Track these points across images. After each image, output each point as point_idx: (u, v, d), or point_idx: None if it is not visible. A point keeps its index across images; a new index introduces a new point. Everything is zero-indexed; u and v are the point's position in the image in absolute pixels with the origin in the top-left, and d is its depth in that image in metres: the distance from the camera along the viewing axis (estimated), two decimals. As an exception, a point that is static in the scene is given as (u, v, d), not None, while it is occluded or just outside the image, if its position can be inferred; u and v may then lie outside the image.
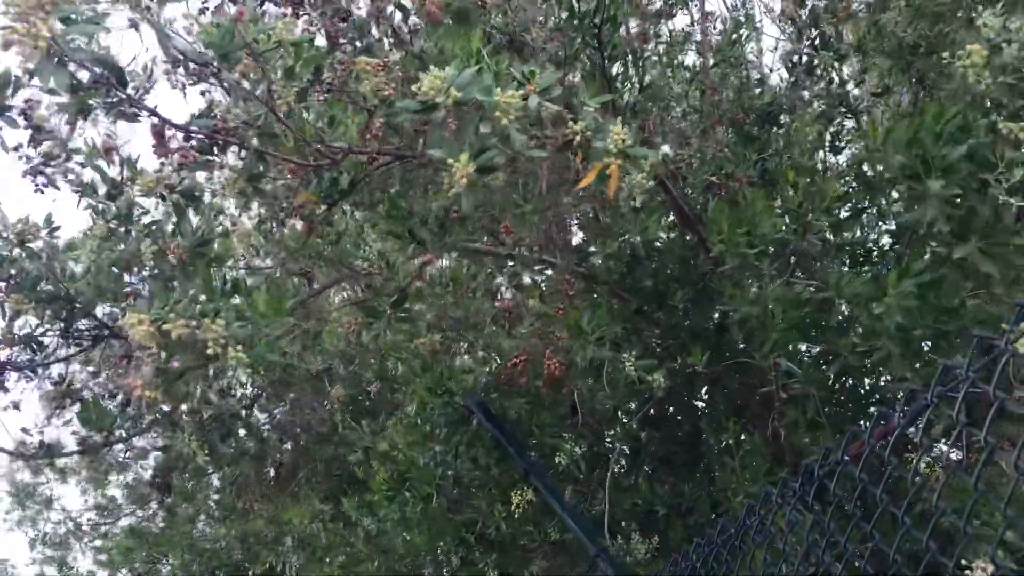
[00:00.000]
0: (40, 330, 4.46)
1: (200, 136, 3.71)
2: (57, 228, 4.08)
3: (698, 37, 7.76)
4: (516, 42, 4.69)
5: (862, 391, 6.15)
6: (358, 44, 3.92)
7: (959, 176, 3.75)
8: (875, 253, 6.62)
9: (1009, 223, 3.57)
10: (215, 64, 3.24)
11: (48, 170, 3.61)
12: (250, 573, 8.03)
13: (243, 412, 5.26)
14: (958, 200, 3.82)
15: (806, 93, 7.27)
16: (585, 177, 3.86)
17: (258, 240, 4.33)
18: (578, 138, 3.86)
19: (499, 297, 5.38)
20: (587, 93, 4.16)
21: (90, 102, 3.37)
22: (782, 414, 5.73)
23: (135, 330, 3.25)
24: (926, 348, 4.70)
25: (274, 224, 4.25)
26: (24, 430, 5.14)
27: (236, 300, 3.62)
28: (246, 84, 3.44)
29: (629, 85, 6.80)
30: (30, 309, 4.01)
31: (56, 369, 4.80)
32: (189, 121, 3.63)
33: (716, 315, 6.54)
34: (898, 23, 6.32)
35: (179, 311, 3.33)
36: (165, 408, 4.45)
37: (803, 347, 6.09)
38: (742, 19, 7.60)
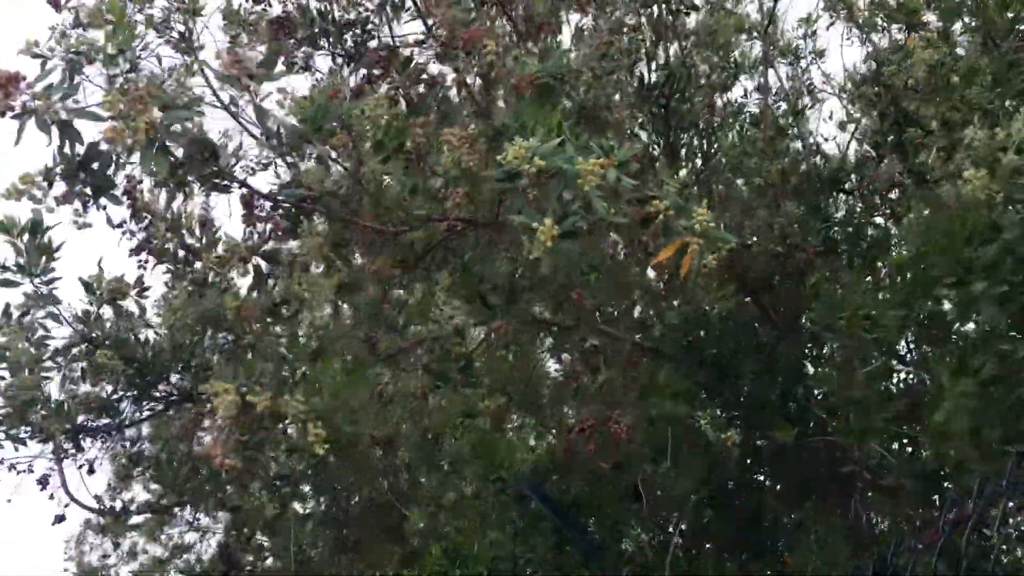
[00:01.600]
0: (116, 395, 4.56)
1: (287, 205, 3.80)
2: (147, 288, 4.20)
3: (757, 108, 7.77)
4: (593, 117, 4.75)
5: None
6: (438, 110, 4.02)
7: (1002, 273, 3.80)
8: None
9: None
10: (309, 137, 3.34)
11: (149, 247, 3.74)
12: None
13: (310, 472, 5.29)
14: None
15: (884, 168, 7.22)
16: (662, 252, 3.86)
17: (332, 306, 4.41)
18: (661, 216, 3.86)
19: (563, 365, 5.34)
20: (666, 172, 4.17)
21: (186, 178, 3.50)
22: (863, 496, 5.54)
23: (219, 399, 3.30)
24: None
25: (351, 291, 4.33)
26: (97, 498, 5.20)
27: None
28: (334, 155, 3.54)
29: (696, 155, 6.84)
30: (114, 367, 4.10)
31: (129, 432, 4.89)
32: (277, 191, 3.73)
33: (783, 389, 6.40)
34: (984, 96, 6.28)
35: (262, 382, 3.39)
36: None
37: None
38: (804, 91, 7.63)
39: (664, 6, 6.03)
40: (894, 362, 5.26)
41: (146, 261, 3.79)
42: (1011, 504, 4.34)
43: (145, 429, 5.03)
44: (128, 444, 4.96)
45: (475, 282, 4.34)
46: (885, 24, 7.53)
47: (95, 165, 2.95)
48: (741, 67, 7.57)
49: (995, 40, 6.11)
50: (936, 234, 4.37)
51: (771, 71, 7.75)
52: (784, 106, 7.62)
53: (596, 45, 4.74)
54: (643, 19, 6.04)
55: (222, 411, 3.31)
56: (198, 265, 4.32)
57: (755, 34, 7.77)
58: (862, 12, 7.64)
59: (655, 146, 6.52)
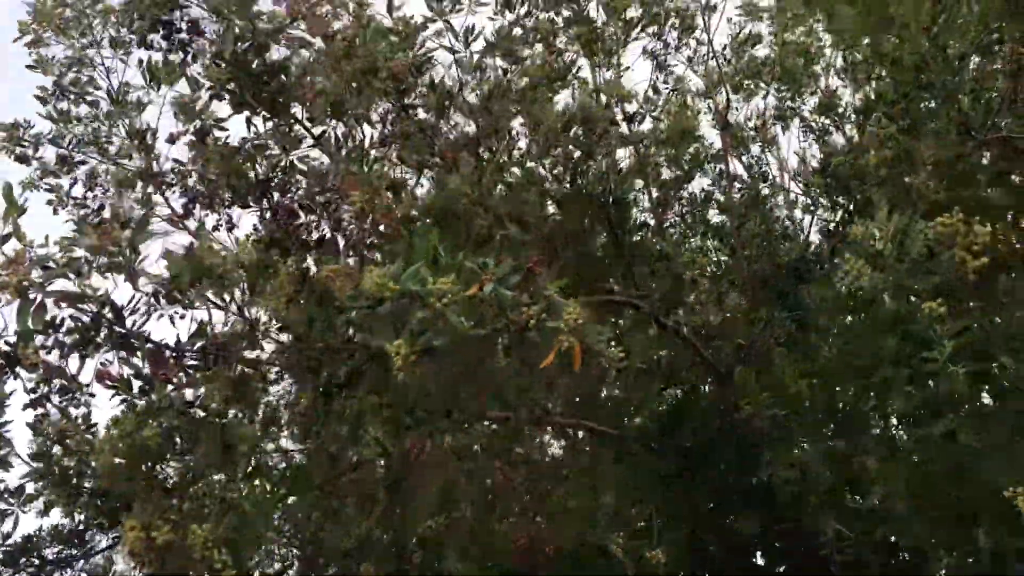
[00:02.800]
0: (82, 527, 4.82)
1: (193, 354, 4.12)
2: (94, 426, 4.50)
3: (720, 197, 7.94)
4: (496, 236, 5.02)
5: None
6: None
7: (906, 361, 3.89)
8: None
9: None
10: (183, 293, 3.69)
11: (56, 399, 4.07)
12: None
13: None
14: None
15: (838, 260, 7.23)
16: (545, 359, 4.02)
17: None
18: (532, 321, 4.03)
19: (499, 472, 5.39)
20: (547, 279, 4.38)
21: (94, 339, 3.86)
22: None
23: (127, 536, 3.54)
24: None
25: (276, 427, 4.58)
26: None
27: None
28: (219, 302, 3.87)
29: (650, 254, 7.00)
30: (62, 502, 4.39)
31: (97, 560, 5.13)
32: (181, 343, 4.06)
33: (760, 475, 6.27)
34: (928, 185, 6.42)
35: (169, 515, 3.62)
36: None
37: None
38: (762, 178, 7.78)
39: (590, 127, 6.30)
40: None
41: (45, 415, 4.10)
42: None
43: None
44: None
45: (398, 402, 4.53)
46: (836, 126, 7.82)
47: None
48: (697, 162, 7.81)
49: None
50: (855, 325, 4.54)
51: (730, 161, 7.98)
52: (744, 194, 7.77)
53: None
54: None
55: (128, 546, 3.54)
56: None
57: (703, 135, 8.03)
58: (813, 118, 7.95)
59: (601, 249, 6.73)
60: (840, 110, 7.74)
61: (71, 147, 6.11)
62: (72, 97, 6.00)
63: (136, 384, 4.47)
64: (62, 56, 5.98)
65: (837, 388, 5.00)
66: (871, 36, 6.93)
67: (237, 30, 4.77)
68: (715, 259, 7.45)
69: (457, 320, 3.69)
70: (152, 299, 3.74)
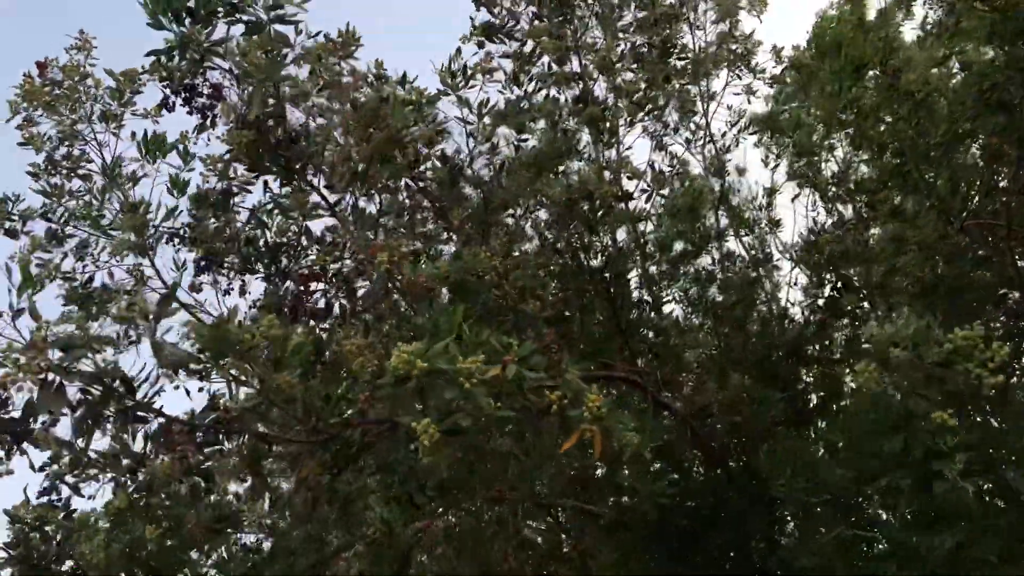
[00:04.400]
0: None
1: (205, 428, 4.02)
2: (73, 511, 4.35)
3: (719, 275, 8.03)
4: (509, 311, 5.01)
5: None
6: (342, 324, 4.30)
7: (913, 467, 3.90)
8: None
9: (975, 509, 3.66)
10: (208, 365, 3.61)
11: (69, 479, 3.93)
12: None
13: None
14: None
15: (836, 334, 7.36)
16: (565, 443, 3.99)
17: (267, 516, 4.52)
18: (555, 407, 4.00)
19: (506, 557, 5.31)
20: (569, 362, 4.37)
21: (101, 414, 3.74)
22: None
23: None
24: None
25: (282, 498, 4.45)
26: None
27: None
28: (242, 377, 3.79)
29: (646, 331, 7.05)
30: None
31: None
32: (193, 416, 3.96)
33: (757, 560, 6.23)
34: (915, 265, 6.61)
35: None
36: None
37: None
38: (760, 257, 7.91)
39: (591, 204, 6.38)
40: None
41: (60, 496, 3.95)
42: None
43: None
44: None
45: (401, 481, 4.44)
46: (848, 198, 8.00)
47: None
48: (700, 240, 7.91)
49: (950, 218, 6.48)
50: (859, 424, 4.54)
51: (731, 241, 8.12)
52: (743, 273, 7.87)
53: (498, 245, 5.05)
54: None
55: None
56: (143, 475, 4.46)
57: (710, 208, 8.18)
58: (828, 186, 8.14)
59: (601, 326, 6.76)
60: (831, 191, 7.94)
61: (62, 221, 6.07)
62: (64, 172, 5.99)
63: (125, 462, 4.38)
64: (53, 132, 6.03)
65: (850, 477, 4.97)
66: (856, 124, 7.15)
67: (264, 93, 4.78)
68: (713, 339, 7.48)
69: (485, 402, 3.64)
70: (171, 372, 3.65)
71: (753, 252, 8.32)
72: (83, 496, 3.99)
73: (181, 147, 5.78)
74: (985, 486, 3.90)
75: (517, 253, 5.40)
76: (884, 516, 5.08)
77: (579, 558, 5.29)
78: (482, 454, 4.61)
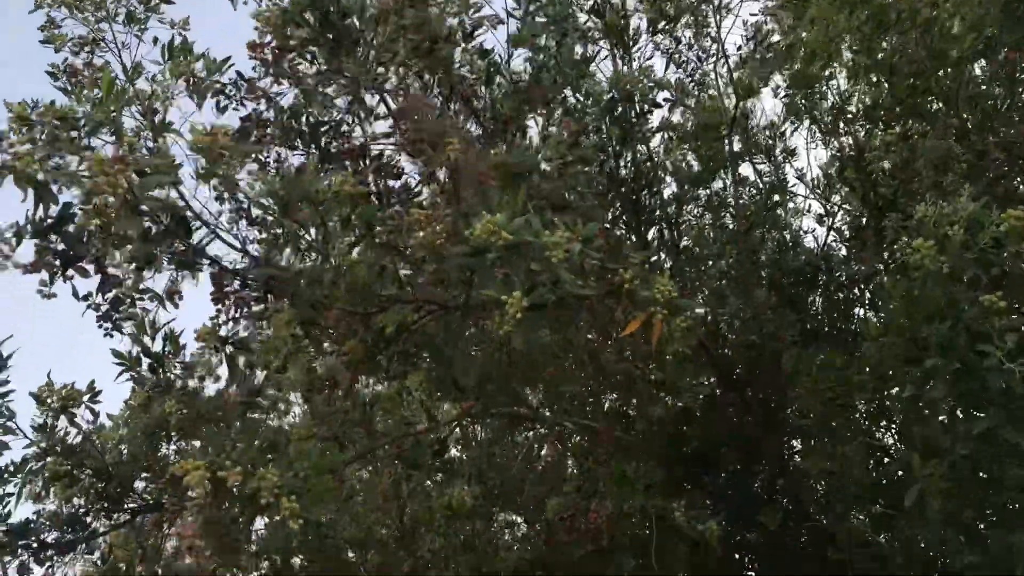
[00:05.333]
0: (83, 509, 4.45)
1: (256, 284, 3.83)
2: (99, 394, 4.16)
3: (732, 200, 7.97)
4: (559, 204, 4.87)
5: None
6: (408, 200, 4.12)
7: (957, 352, 3.87)
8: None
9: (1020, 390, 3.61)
10: (276, 213, 3.41)
11: (115, 316, 3.71)
12: None
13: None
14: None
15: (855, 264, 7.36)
16: (630, 324, 3.91)
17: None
18: (626, 286, 3.91)
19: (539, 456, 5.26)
20: (631, 249, 4.27)
21: (156, 251, 3.53)
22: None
23: (190, 476, 3.23)
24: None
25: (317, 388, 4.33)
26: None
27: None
28: (303, 233, 3.60)
29: (665, 248, 6.98)
30: (67, 475, 4.03)
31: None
32: (246, 269, 3.76)
33: (767, 479, 6.29)
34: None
35: (234, 459, 3.34)
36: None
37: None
38: (776, 186, 7.86)
39: (628, 107, 6.26)
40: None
41: (112, 331, 3.73)
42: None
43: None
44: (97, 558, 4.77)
45: (447, 364, 4.32)
46: (847, 128, 7.91)
47: (68, 228, 2.99)
48: (716, 162, 7.81)
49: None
50: (899, 315, 4.47)
51: (745, 165, 8.04)
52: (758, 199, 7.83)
53: (566, 135, 4.90)
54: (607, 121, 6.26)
55: (193, 485, 3.24)
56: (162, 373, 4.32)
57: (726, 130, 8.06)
58: (823, 119, 8.04)
59: (626, 237, 6.65)
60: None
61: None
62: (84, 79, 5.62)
63: (145, 362, 4.21)
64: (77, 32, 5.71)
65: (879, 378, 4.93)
66: (869, 42, 7.01)
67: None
68: (728, 262, 7.43)
69: (569, 277, 3.53)
70: (236, 215, 3.44)
71: (768, 179, 8.27)
72: (123, 333, 3.76)
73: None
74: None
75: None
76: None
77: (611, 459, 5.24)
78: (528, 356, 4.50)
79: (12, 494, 4.18)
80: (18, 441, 4.33)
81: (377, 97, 4.76)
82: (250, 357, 4.27)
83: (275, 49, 4.62)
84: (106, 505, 4.56)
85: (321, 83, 4.79)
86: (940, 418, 4.46)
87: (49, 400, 4.24)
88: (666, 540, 4.89)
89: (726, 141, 7.85)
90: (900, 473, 5.12)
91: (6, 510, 4.16)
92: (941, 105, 6.62)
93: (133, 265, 3.44)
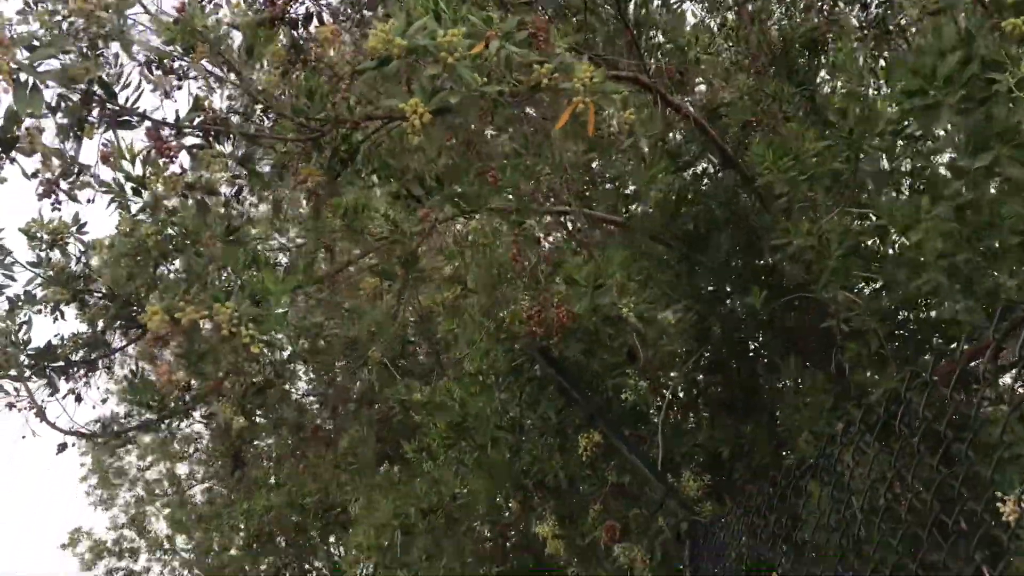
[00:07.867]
0: (102, 329, 4.86)
1: (192, 131, 3.97)
2: (84, 225, 4.46)
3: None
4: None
5: (925, 323, 5.82)
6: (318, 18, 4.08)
7: (964, 84, 3.59)
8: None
9: (1025, 123, 3.34)
10: (181, 58, 3.48)
11: (64, 185, 3.92)
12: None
13: (277, 381, 5.56)
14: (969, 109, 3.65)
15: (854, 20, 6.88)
16: (559, 121, 3.89)
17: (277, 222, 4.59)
18: (545, 80, 3.86)
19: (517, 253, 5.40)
20: (557, 36, 4.17)
21: (88, 117, 3.67)
22: (843, 349, 5.49)
23: (151, 321, 3.55)
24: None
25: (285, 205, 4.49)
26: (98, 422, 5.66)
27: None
28: (217, 72, 3.67)
29: (653, 30, 6.65)
30: (66, 300, 4.43)
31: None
32: (179, 119, 3.89)
33: (765, 257, 6.31)
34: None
35: (190, 299, 3.62)
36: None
37: (861, 284, 5.79)
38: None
39: None
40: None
41: (60, 201, 3.97)
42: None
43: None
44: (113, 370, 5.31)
45: (398, 176, 4.44)
46: None
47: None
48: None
49: None
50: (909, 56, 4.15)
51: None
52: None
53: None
54: None
55: (152, 329, 3.56)
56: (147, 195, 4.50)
57: None
58: None
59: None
60: None
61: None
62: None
63: (128, 187, 4.39)
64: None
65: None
66: None
67: None
68: (723, 35, 7.07)
69: (469, 76, 3.51)
70: (145, 70, 3.53)
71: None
72: (80, 202, 4.01)
73: None
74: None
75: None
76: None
77: (588, 254, 5.38)
78: (477, 149, 4.54)
79: (27, 321, 4.60)
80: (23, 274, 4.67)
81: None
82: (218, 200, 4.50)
83: None
84: (122, 323, 4.94)
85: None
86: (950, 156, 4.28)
87: (39, 235, 4.57)
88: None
89: None
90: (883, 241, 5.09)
91: (25, 337, 4.60)
92: None
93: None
